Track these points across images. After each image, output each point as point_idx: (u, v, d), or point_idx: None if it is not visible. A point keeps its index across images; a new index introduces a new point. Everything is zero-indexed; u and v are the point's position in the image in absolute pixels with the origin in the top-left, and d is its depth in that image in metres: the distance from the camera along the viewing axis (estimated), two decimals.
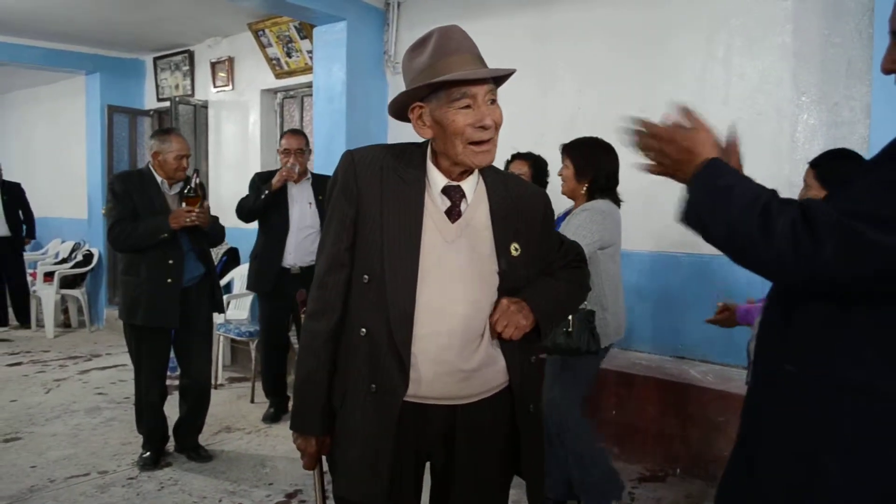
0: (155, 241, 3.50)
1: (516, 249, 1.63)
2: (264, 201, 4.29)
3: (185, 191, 3.57)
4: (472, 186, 1.64)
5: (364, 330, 1.57)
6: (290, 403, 4.44)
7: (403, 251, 1.55)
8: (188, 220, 3.47)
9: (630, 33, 4.20)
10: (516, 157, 3.64)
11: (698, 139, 1.24)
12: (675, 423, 3.73)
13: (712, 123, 1.33)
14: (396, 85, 5.41)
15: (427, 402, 1.59)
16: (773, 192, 1.14)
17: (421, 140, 1.66)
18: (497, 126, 1.55)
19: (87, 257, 7.69)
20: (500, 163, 4.00)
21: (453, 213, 1.61)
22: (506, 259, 1.61)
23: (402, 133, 5.38)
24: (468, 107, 1.51)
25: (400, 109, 1.61)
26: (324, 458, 1.73)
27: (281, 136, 4.54)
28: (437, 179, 1.61)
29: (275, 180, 4.28)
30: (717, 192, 1.17)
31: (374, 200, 1.57)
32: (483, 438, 1.64)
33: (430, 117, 1.55)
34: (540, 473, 1.73)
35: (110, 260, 7.45)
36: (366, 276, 1.57)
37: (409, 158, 1.63)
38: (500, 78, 1.58)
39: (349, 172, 1.60)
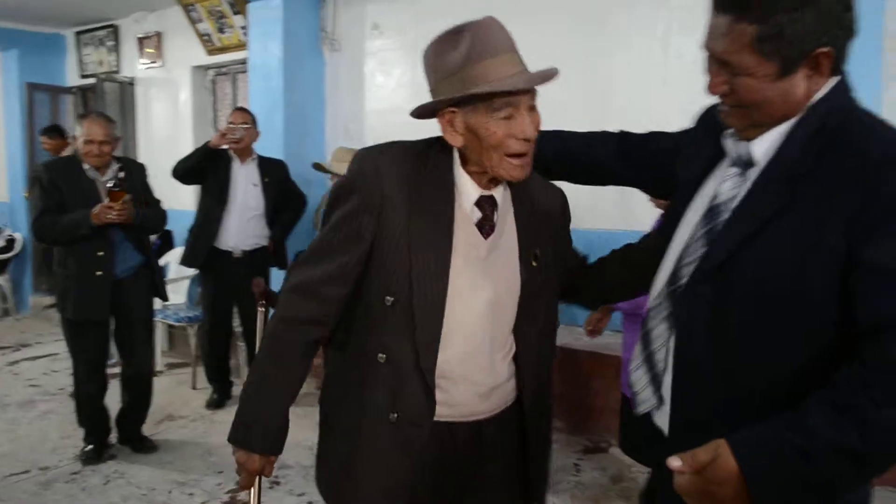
0: (76, 236, 3.37)
1: (537, 256, 1.50)
2: (197, 157, 4.18)
3: (110, 184, 3.40)
4: (501, 194, 1.49)
5: (383, 355, 1.43)
6: (236, 392, 4.45)
7: (433, 273, 1.40)
8: (109, 216, 3.29)
9: (571, 15, 4.23)
10: None
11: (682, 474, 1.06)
12: (617, 396, 3.84)
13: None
14: (334, 63, 5.33)
15: (454, 421, 1.48)
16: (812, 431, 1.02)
17: (423, 135, 1.51)
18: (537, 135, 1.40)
19: (10, 242, 7.36)
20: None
21: (485, 228, 1.45)
22: (527, 267, 1.49)
23: (340, 113, 5.32)
24: (510, 117, 1.34)
25: (426, 112, 1.43)
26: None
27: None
28: (469, 190, 1.44)
29: (214, 139, 4.18)
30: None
31: (401, 214, 1.39)
32: (504, 449, 1.57)
33: (462, 124, 1.37)
34: (545, 478, 1.66)
35: (35, 245, 7.15)
36: (389, 299, 1.40)
37: (435, 164, 1.44)
38: None
39: (372, 179, 1.40)
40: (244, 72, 5.91)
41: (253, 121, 4.35)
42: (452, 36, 1.37)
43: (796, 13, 1.07)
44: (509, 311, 1.49)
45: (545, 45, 4.35)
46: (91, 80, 6.91)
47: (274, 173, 4.43)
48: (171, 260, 5.82)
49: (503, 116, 1.34)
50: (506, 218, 1.49)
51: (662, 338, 1.26)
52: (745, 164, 1.22)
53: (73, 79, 7.32)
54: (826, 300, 1.08)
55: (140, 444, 3.75)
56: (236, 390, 4.57)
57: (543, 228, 1.53)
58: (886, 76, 3.48)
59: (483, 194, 1.45)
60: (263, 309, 2.23)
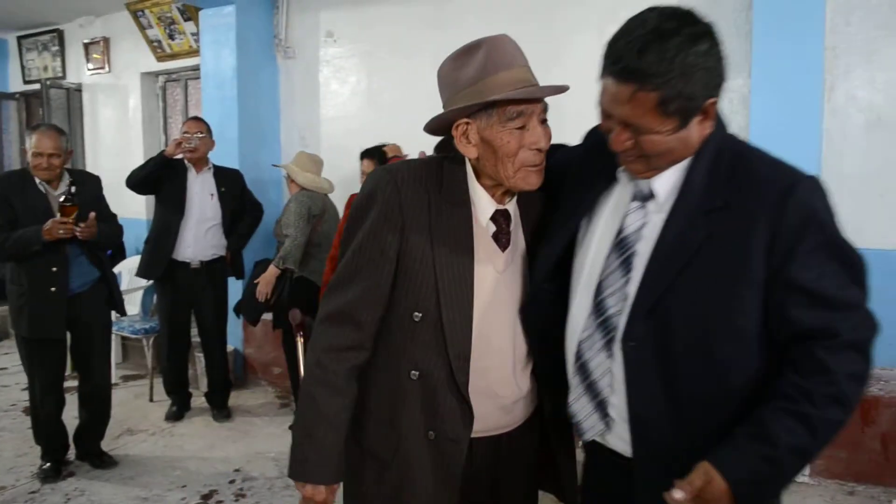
0: (28, 253, 3.31)
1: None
2: (152, 167, 4.12)
3: (61, 199, 3.33)
4: (513, 208, 1.52)
5: (416, 373, 1.44)
6: (195, 403, 4.40)
7: (459, 286, 1.42)
8: (61, 232, 3.24)
9: (526, 28, 4.31)
10: (364, 154, 3.69)
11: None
12: None
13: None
14: (288, 70, 5.32)
15: (477, 436, 1.49)
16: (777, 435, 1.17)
17: (435, 153, 1.54)
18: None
19: None
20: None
21: (501, 241, 1.49)
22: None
23: (296, 121, 5.31)
24: (523, 127, 1.38)
25: (441, 125, 1.46)
26: None
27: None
28: (484, 204, 1.47)
29: (169, 148, 4.13)
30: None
31: (423, 231, 1.41)
32: (524, 461, 1.59)
33: (476, 135, 1.41)
34: (574, 485, 1.64)
35: None
36: (417, 315, 1.42)
37: (451, 179, 1.47)
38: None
39: (392, 197, 1.42)
40: (196, 78, 5.85)
41: (208, 130, 4.31)
42: (468, 51, 1.42)
43: (691, 77, 1.17)
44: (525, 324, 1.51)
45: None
46: (35, 86, 6.75)
47: (230, 183, 4.40)
48: (124, 270, 5.72)
49: (516, 127, 1.38)
50: (517, 232, 1.53)
51: (603, 366, 1.33)
52: (645, 197, 1.32)
53: (15, 84, 7.13)
54: (756, 318, 1.22)
55: (99, 460, 3.70)
56: (195, 402, 4.54)
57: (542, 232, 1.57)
58: (828, 86, 3.65)
59: (498, 208, 1.48)
60: (302, 339, 2.26)
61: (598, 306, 1.34)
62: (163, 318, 4.46)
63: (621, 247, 1.33)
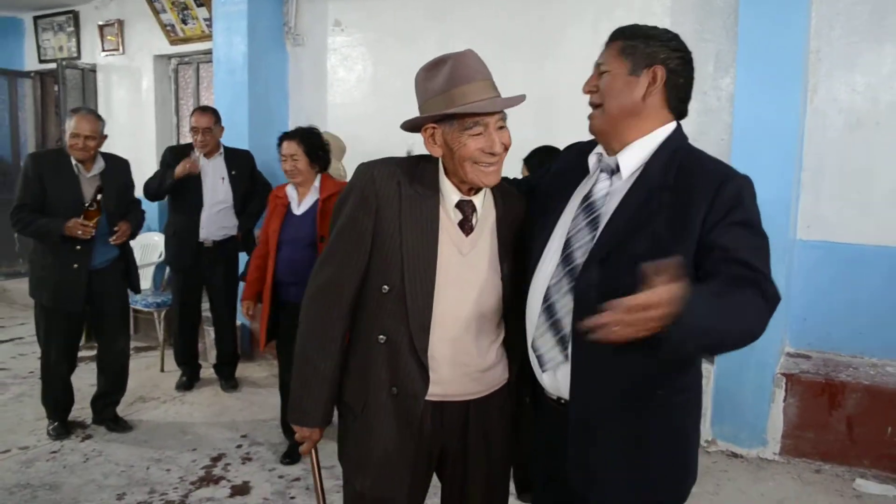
0: (47, 240, 3.57)
1: (515, 254, 1.76)
2: (168, 187, 4.36)
3: (87, 204, 3.52)
4: (481, 200, 1.74)
5: (383, 337, 1.68)
6: (203, 375, 4.65)
7: (422, 265, 1.65)
8: (79, 233, 3.46)
9: (524, 21, 4.50)
10: (284, 137, 3.54)
11: (654, 295, 1.25)
12: None
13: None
14: (297, 58, 5.52)
15: (445, 400, 1.72)
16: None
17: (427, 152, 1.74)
18: (506, 148, 1.65)
19: None
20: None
21: (465, 227, 1.71)
22: (507, 265, 1.74)
23: (303, 107, 5.50)
24: (479, 134, 1.61)
25: (413, 127, 1.72)
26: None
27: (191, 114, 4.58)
28: (450, 194, 1.70)
29: (178, 170, 4.32)
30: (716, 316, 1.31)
31: (393, 216, 1.65)
32: (491, 428, 1.80)
33: (441, 138, 1.65)
34: (525, 454, 1.85)
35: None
36: (385, 287, 1.66)
37: (422, 174, 1.71)
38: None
39: (369, 187, 1.67)
40: (207, 62, 6.05)
41: (216, 119, 4.48)
42: (436, 64, 1.66)
43: (649, 42, 1.56)
44: (493, 303, 1.74)
45: (498, 51, 4.64)
46: (50, 66, 6.94)
47: (240, 164, 4.60)
48: (135, 246, 5.94)
49: (474, 133, 1.61)
50: (486, 222, 1.75)
51: (567, 307, 1.57)
52: (612, 171, 1.61)
53: (31, 63, 7.32)
54: (690, 271, 1.46)
55: (115, 424, 3.94)
56: (204, 373, 4.78)
57: (518, 230, 1.79)
58: (811, 87, 3.85)
59: (463, 198, 1.72)
60: None
61: (567, 257, 1.59)
62: (175, 294, 4.70)
63: (589, 209, 1.60)
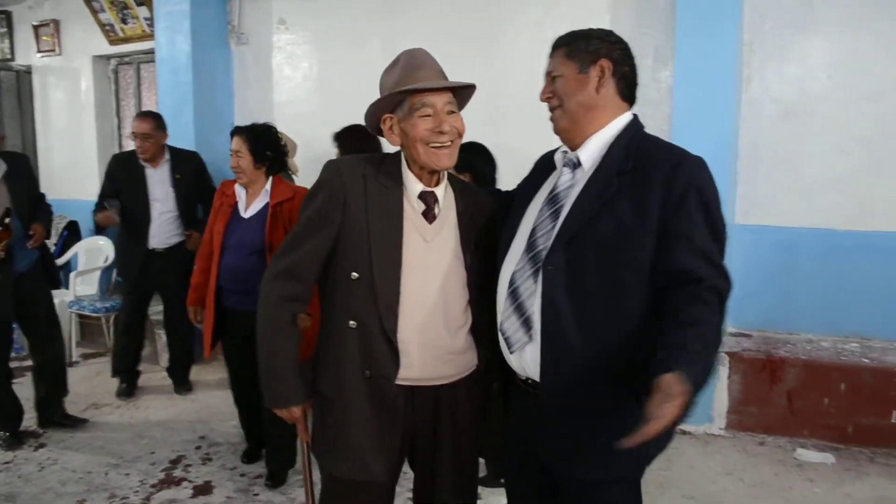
0: None
1: (478, 246, 1.86)
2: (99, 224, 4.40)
3: None
4: (443, 192, 1.86)
5: (354, 322, 1.77)
6: (143, 382, 4.60)
7: (388, 252, 1.75)
8: None
9: (470, 18, 4.57)
10: (233, 132, 3.39)
11: (676, 406, 1.36)
12: None
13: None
14: (241, 56, 5.49)
15: (416, 385, 1.81)
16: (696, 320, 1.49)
17: (394, 150, 1.86)
18: (459, 133, 1.77)
19: None
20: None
21: (429, 216, 1.82)
22: (470, 255, 1.84)
23: (249, 106, 5.47)
24: (429, 115, 1.73)
25: (374, 122, 1.84)
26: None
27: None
28: (413, 185, 1.81)
29: (99, 221, 4.25)
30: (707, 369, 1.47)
31: (360, 207, 1.76)
32: (460, 414, 1.88)
33: (398, 127, 1.78)
34: (497, 438, 1.94)
35: None
36: (355, 274, 1.75)
37: (387, 167, 1.82)
38: (465, 96, 1.83)
39: (336, 180, 1.78)
40: (148, 62, 5.96)
41: (157, 125, 4.37)
42: (393, 63, 1.81)
43: (589, 40, 1.70)
44: (458, 289, 1.83)
45: (443, 48, 4.69)
46: None
47: (185, 167, 4.50)
48: (80, 251, 5.85)
49: (423, 115, 1.73)
50: (448, 213, 1.85)
51: (530, 289, 1.67)
52: (574, 165, 1.72)
53: None
54: (648, 258, 1.58)
55: (65, 419, 3.93)
56: (157, 376, 4.74)
57: (482, 225, 1.90)
58: (745, 79, 4.02)
59: (425, 189, 1.82)
60: None
61: (531, 245, 1.69)
62: (123, 304, 4.65)
63: (553, 201, 1.72)
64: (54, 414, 3.95)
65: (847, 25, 3.83)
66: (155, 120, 4.39)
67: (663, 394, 1.35)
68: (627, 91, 1.74)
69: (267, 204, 3.23)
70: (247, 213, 3.28)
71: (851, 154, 3.87)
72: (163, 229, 4.42)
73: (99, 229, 4.34)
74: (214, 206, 3.43)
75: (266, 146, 3.26)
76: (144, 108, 6.20)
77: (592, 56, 1.68)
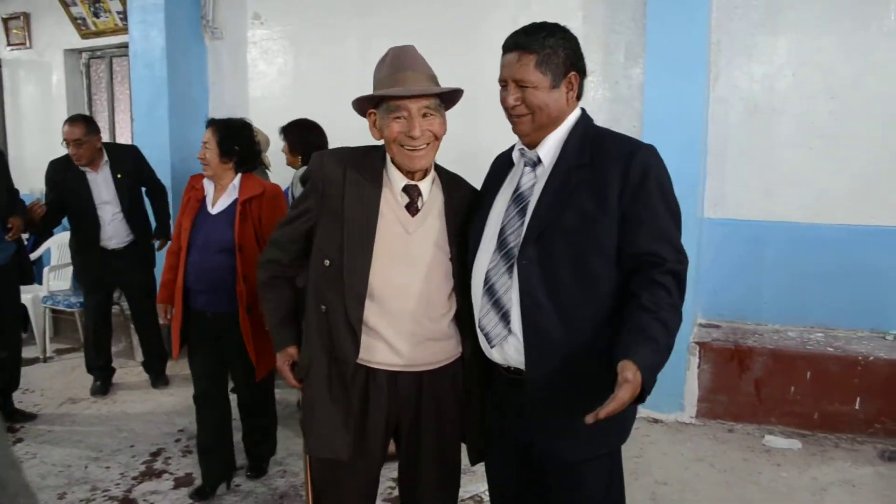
0: None
1: (464, 237, 1.90)
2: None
3: None
4: (428, 186, 1.92)
5: (324, 307, 1.87)
6: (118, 379, 4.60)
7: (360, 241, 1.82)
8: None
9: (445, 16, 4.63)
10: (207, 123, 3.25)
11: (628, 391, 1.46)
12: None
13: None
14: (216, 51, 5.49)
15: (400, 371, 1.87)
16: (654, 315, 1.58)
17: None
18: (435, 135, 1.83)
19: None
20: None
21: (412, 209, 1.88)
22: (456, 246, 1.89)
23: (224, 101, 5.46)
24: (402, 118, 1.79)
25: (362, 114, 1.91)
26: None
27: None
28: (397, 179, 1.88)
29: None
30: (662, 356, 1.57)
31: (337, 197, 1.85)
32: (443, 399, 1.93)
33: (379, 123, 1.85)
34: (478, 425, 2.00)
35: None
36: (327, 261, 1.85)
37: (371, 160, 1.90)
38: (452, 97, 1.90)
39: (318, 172, 1.89)
40: (121, 56, 5.93)
41: (88, 129, 4.22)
42: (383, 58, 1.88)
43: (557, 49, 1.72)
44: (441, 278, 1.89)
45: (420, 42, 4.75)
46: None
47: (123, 165, 4.40)
48: (53, 246, 5.80)
49: (396, 117, 1.79)
50: (433, 206, 1.92)
51: (506, 285, 1.74)
52: (534, 163, 1.80)
53: None
54: (613, 244, 1.67)
55: (16, 415, 3.96)
56: (134, 370, 4.74)
57: (467, 217, 1.94)
58: (713, 76, 4.12)
59: (409, 183, 1.88)
60: None
61: (502, 242, 1.77)
62: (86, 305, 4.61)
63: (518, 200, 1.79)
64: (6, 406, 3.97)
65: (811, 25, 3.96)
66: (86, 124, 4.23)
67: (621, 377, 1.46)
68: (581, 91, 1.81)
69: (235, 200, 3.09)
70: (214, 208, 3.13)
71: (814, 149, 4.00)
72: (119, 230, 4.37)
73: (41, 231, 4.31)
74: (183, 200, 3.27)
75: (235, 141, 3.11)
76: (117, 103, 6.20)
77: (563, 69, 1.73)
